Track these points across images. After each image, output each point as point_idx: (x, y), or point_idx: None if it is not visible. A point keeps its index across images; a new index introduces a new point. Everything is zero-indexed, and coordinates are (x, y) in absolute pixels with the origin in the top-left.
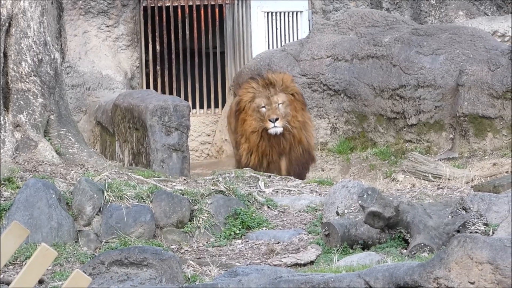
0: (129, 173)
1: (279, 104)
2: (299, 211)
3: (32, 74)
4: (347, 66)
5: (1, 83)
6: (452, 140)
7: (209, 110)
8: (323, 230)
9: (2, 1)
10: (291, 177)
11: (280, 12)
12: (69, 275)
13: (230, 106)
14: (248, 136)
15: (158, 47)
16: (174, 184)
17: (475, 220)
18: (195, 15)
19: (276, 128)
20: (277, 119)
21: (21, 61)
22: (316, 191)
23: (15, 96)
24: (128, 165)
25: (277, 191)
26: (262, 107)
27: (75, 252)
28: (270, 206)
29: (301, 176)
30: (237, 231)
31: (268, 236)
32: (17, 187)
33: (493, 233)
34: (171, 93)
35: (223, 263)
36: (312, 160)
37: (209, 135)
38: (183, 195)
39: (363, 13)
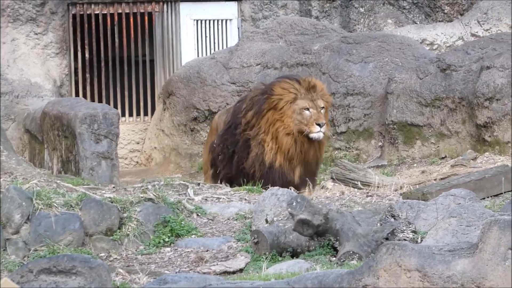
0: (58, 181)
1: (321, 108)
2: (229, 219)
3: None
4: (277, 74)
5: None
6: (381, 148)
7: (139, 118)
8: (252, 237)
9: None
10: (220, 185)
11: (210, 20)
12: None
13: (214, 120)
14: (280, 138)
15: (87, 55)
16: (103, 192)
17: (404, 228)
18: (124, 23)
19: (320, 133)
20: (324, 124)
21: None
22: (245, 199)
23: None
24: (57, 173)
25: (206, 199)
26: (306, 109)
27: (3, 260)
28: (199, 214)
29: (312, 185)
30: (166, 239)
31: (197, 244)
32: None
33: (421, 240)
34: (100, 101)
35: (152, 271)
36: (318, 168)
37: (138, 143)
38: (112, 202)
39: (292, 21)
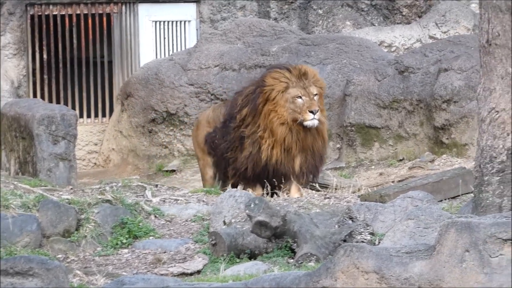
0: (15, 182)
1: (314, 95)
2: (186, 221)
3: None
4: (235, 75)
5: None
6: (339, 150)
7: (97, 119)
8: (210, 239)
9: None
10: (178, 187)
11: (168, 21)
12: None
13: (198, 120)
14: (275, 129)
15: (45, 56)
16: (61, 193)
17: (362, 230)
18: (83, 24)
19: (314, 120)
20: (317, 111)
21: None
22: (203, 201)
23: None
24: (14, 174)
25: (164, 200)
26: (299, 97)
27: None
28: (157, 216)
29: (314, 176)
30: (124, 241)
31: (155, 246)
32: None
33: (379, 242)
34: (58, 102)
35: (109, 273)
36: (322, 162)
37: (96, 144)
38: (69, 204)
39: (250, 22)
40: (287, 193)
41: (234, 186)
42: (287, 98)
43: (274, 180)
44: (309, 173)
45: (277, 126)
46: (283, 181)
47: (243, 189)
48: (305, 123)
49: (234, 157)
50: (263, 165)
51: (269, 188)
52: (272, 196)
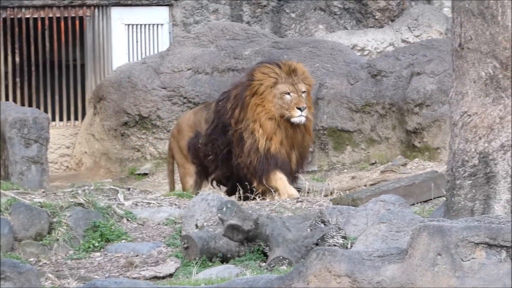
0: None
1: (303, 92)
2: (159, 224)
3: None
4: (208, 79)
5: None
6: (311, 153)
7: (69, 123)
8: (182, 243)
9: None
10: (150, 190)
11: (141, 25)
12: None
13: (178, 124)
14: (263, 122)
15: (17, 59)
16: (33, 196)
17: (334, 233)
18: (55, 27)
19: (301, 117)
20: (305, 108)
21: None
22: (176, 204)
23: None
24: None
25: (136, 204)
26: (287, 93)
27: None
28: (129, 219)
29: (302, 171)
30: (96, 244)
31: (127, 249)
32: None
33: (351, 246)
34: (30, 105)
35: (81, 276)
36: (308, 159)
37: (68, 148)
38: (42, 207)
39: (223, 26)
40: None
41: (219, 181)
42: (275, 93)
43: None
44: (300, 168)
45: (265, 121)
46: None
47: (224, 184)
48: (292, 120)
49: (240, 154)
50: (265, 154)
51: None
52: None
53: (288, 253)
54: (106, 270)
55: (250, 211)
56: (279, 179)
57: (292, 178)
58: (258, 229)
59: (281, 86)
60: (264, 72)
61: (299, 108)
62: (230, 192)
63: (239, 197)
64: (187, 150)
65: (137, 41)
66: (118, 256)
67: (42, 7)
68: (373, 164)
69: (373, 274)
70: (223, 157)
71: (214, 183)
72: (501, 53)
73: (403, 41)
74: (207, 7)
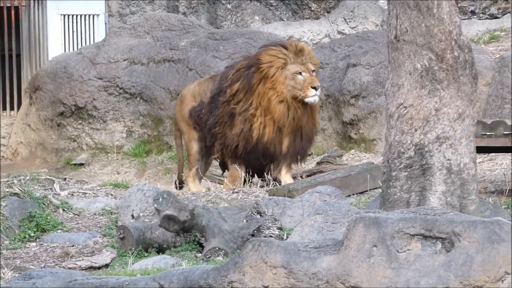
0: None
1: (312, 71)
2: (95, 214)
3: None
4: (144, 69)
5: None
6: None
7: (4, 113)
8: (118, 233)
9: None
10: (86, 180)
11: (77, 15)
12: None
13: (181, 95)
14: (273, 106)
15: None
16: None
17: (270, 224)
18: None
19: (315, 96)
20: (319, 87)
21: None
22: (112, 194)
23: None
24: None
25: (72, 194)
26: (299, 73)
27: None
28: (65, 209)
29: (301, 158)
30: (32, 234)
31: (63, 239)
32: None
33: (287, 237)
34: None
35: (17, 266)
36: (311, 145)
37: (4, 138)
38: None
39: (159, 16)
40: (277, 177)
41: (221, 163)
42: (287, 74)
43: (262, 160)
44: (296, 154)
45: (276, 104)
46: (271, 162)
47: (226, 166)
48: (307, 100)
49: (222, 132)
50: (254, 144)
51: (251, 172)
52: (260, 177)
53: (224, 244)
54: (42, 260)
55: (186, 202)
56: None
57: (291, 161)
58: (194, 220)
59: (292, 66)
60: (272, 54)
61: (314, 88)
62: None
63: (248, 177)
64: (189, 116)
65: (73, 32)
66: (54, 246)
67: None
68: (309, 155)
69: (309, 265)
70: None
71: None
72: (436, 45)
73: (339, 32)
74: None
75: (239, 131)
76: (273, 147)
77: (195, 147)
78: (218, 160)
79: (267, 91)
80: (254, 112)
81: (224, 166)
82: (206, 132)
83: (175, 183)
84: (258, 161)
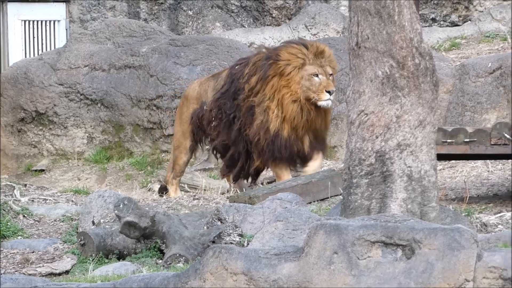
0: None
1: (330, 75)
2: (55, 220)
3: None
4: (105, 75)
5: None
6: (208, 151)
7: None
8: (79, 239)
9: None
10: (47, 186)
11: (38, 21)
12: None
13: (184, 96)
14: (286, 105)
15: None
16: None
17: (231, 231)
18: None
19: (329, 101)
20: (334, 91)
21: None
22: (72, 201)
23: None
24: None
25: (33, 200)
26: (315, 75)
27: None
28: (26, 215)
29: (318, 157)
30: None
31: (23, 245)
32: None
33: (248, 244)
34: None
35: None
36: (325, 147)
37: None
38: None
39: (120, 23)
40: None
41: (216, 151)
42: (303, 75)
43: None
44: (315, 152)
45: (288, 103)
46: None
47: (222, 156)
48: (320, 103)
49: (245, 126)
50: (274, 136)
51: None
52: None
53: (185, 250)
54: (2, 267)
55: (147, 208)
56: (280, 169)
57: (303, 162)
58: (154, 226)
59: (310, 67)
60: (291, 52)
61: (328, 92)
62: (236, 177)
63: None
64: (190, 120)
65: (33, 37)
66: (14, 253)
67: None
68: None
69: (270, 272)
70: (226, 123)
71: (215, 152)
72: (397, 53)
73: (300, 39)
74: (104, 4)
75: (260, 122)
76: (293, 145)
77: (184, 158)
78: (217, 155)
79: (281, 88)
80: (269, 104)
81: (221, 155)
82: (211, 130)
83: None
84: (294, 161)
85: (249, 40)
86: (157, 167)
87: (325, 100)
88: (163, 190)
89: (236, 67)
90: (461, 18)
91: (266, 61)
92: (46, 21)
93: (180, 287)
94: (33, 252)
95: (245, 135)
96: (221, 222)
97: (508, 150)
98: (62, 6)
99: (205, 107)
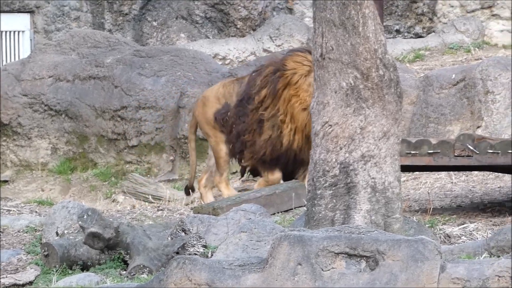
0: None
1: None
2: (19, 231)
3: None
4: (69, 86)
5: None
6: (172, 162)
7: None
8: (43, 250)
9: None
10: (11, 197)
11: (2, 31)
12: None
13: (203, 97)
14: (296, 114)
15: None
16: None
17: (195, 242)
18: None
19: None
20: None
21: None
22: (36, 211)
23: None
24: None
25: None
26: None
27: None
28: None
29: None
30: None
31: None
32: None
33: (212, 255)
34: None
35: None
36: None
37: None
38: None
39: (85, 33)
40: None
41: (253, 170)
42: (311, 82)
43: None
44: None
45: (299, 112)
46: (300, 168)
47: (258, 174)
48: None
49: (252, 140)
50: (284, 150)
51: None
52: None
53: (149, 261)
54: None
55: (111, 219)
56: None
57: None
58: (118, 237)
59: None
60: (296, 60)
61: None
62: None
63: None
64: (214, 120)
65: None
66: None
67: None
68: (234, 173)
69: (234, 283)
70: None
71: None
72: (362, 64)
73: (265, 50)
74: (69, 14)
75: (267, 137)
76: (303, 154)
77: (224, 149)
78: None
79: (291, 98)
80: (284, 119)
81: (255, 172)
82: (233, 138)
83: (186, 189)
84: (286, 168)
85: (213, 51)
86: (121, 178)
87: None
88: (188, 190)
89: (253, 74)
90: (425, 30)
91: (274, 75)
92: (10, 32)
93: None
94: None
95: (251, 145)
96: (185, 233)
97: (472, 162)
98: (26, 17)
99: (229, 113)
